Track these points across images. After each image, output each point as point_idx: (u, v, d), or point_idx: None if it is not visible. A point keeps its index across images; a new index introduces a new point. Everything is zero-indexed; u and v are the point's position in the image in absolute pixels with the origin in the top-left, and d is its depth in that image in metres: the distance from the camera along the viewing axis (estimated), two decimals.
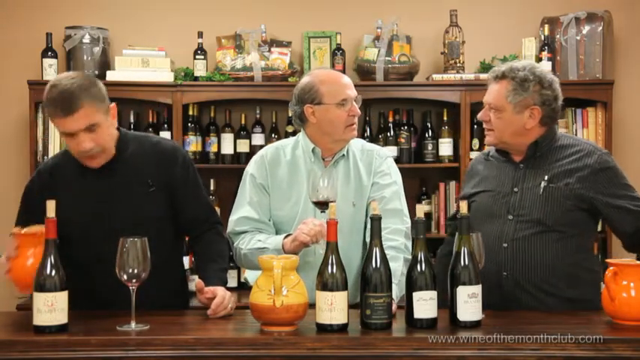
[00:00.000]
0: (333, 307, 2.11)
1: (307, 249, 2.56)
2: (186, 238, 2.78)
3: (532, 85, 2.59)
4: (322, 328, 2.11)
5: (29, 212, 2.52)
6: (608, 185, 2.57)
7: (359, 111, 2.71)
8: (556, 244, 2.55)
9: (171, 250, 2.65)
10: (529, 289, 2.55)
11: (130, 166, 2.54)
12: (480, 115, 2.68)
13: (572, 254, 2.58)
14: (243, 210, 2.73)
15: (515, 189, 2.62)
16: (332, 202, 2.45)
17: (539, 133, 2.63)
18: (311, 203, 2.55)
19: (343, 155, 2.76)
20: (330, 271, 2.14)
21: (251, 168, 2.80)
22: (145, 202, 2.54)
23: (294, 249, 2.52)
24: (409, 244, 2.61)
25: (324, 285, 2.13)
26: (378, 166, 2.77)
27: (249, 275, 2.90)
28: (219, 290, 2.39)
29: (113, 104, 2.50)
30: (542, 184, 2.58)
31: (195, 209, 2.64)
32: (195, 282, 2.42)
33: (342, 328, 2.11)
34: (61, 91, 2.35)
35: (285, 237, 2.58)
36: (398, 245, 2.61)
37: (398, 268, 2.48)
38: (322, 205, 2.51)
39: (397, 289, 2.41)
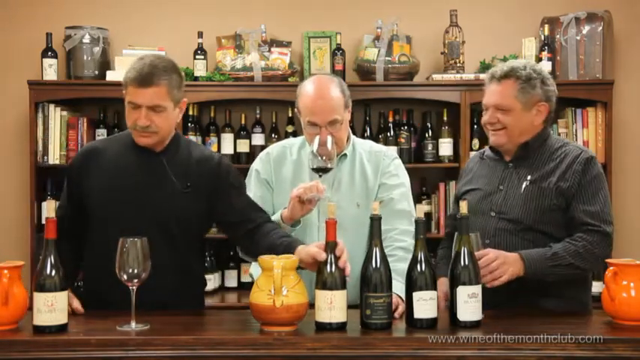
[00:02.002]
0: (333, 306, 2.11)
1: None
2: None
3: (537, 82, 2.62)
4: (321, 327, 2.12)
5: (71, 189, 2.61)
6: (587, 185, 2.57)
7: (327, 140, 2.57)
8: (536, 241, 2.56)
9: (193, 252, 2.65)
10: (513, 289, 2.49)
11: (175, 162, 2.59)
12: (486, 119, 2.65)
13: None
14: None
15: (501, 187, 2.66)
16: (330, 168, 2.51)
17: (537, 131, 2.66)
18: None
19: (345, 155, 2.76)
20: (329, 270, 2.14)
21: (256, 164, 2.84)
22: (177, 198, 2.56)
23: (291, 212, 2.52)
24: None
25: (323, 284, 2.13)
26: (385, 166, 2.77)
27: (254, 270, 2.89)
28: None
29: (185, 99, 2.60)
30: (525, 183, 2.62)
31: (246, 210, 2.62)
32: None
33: (341, 327, 2.12)
34: (146, 64, 2.46)
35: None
36: (407, 246, 2.61)
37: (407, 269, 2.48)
38: (320, 171, 2.53)
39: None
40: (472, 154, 2.96)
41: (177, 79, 2.51)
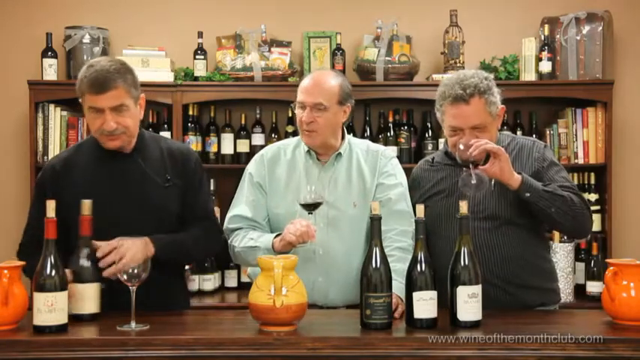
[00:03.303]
0: (80, 298, 2.24)
1: (306, 249, 2.57)
2: None
3: (494, 89, 2.64)
4: (76, 318, 2.14)
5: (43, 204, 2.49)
6: (549, 167, 2.65)
7: (307, 120, 2.64)
8: (514, 236, 2.61)
9: None
10: (497, 283, 2.58)
11: (149, 159, 2.59)
12: (464, 141, 2.56)
13: (531, 245, 2.64)
14: (238, 208, 2.76)
15: None
16: (319, 203, 2.51)
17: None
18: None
19: (340, 154, 2.76)
20: (84, 264, 2.28)
21: (250, 167, 2.83)
22: (162, 194, 2.57)
23: (282, 248, 2.53)
24: None
25: (78, 277, 2.27)
26: (383, 166, 2.77)
27: (252, 272, 2.89)
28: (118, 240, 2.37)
29: (143, 95, 2.58)
30: (493, 180, 2.59)
31: (197, 210, 2.65)
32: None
33: (94, 317, 2.24)
34: (98, 70, 2.44)
35: (276, 236, 2.59)
36: (406, 247, 2.62)
37: (406, 269, 2.49)
38: (309, 207, 2.53)
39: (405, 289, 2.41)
40: (418, 163, 2.93)
41: (131, 78, 2.51)
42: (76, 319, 2.21)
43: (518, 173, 2.51)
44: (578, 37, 4.17)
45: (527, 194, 2.49)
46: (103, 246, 2.33)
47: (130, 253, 2.31)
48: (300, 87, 2.73)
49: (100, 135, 2.50)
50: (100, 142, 2.52)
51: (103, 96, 2.43)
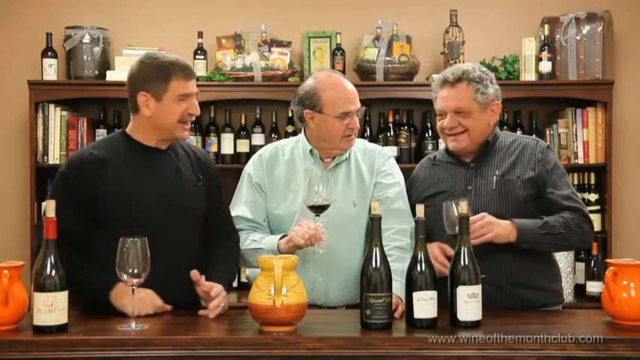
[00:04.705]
0: None
1: (307, 249, 2.57)
2: None
3: (488, 82, 2.65)
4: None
5: (71, 196, 2.45)
6: (552, 171, 2.65)
7: (358, 124, 2.72)
8: None
9: (199, 246, 2.64)
10: (499, 283, 2.58)
11: (181, 158, 2.61)
12: (446, 124, 2.62)
13: None
14: (238, 209, 2.76)
15: (469, 187, 2.67)
16: (327, 206, 2.50)
17: (493, 130, 2.72)
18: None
19: (346, 158, 2.76)
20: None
21: (249, 167, 2.83)
22: (193, 192, 2.59)
23: (288, 250, 2.53)
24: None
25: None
26: (380, 165, 2.77)
27: (251, 273, 2.90)
28: (215, 288, 2.41)
29: None
30: (495, 178, 2.62)
31: (220, 218, 2.67)
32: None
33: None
34: (179, 59, 2.54)
35: (281, 237, 2.59)
36: (404, 246, 2.62)
37: (405, 269, 2.49)
38: (317, 210, 2.52)
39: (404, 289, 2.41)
40: (420, 161, 2.93)
41: None
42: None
43: (511, 220, 2.50)
44: (578, 37, 4.17)
45: (525, 245, 2.52)
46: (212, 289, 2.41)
47: (225, 301, 2.42)
48: (339, 96, 2.68)
49: (177, 122, 2.50)
50: (175, 131, 2.52)
51: (192, 82, 2.52)
